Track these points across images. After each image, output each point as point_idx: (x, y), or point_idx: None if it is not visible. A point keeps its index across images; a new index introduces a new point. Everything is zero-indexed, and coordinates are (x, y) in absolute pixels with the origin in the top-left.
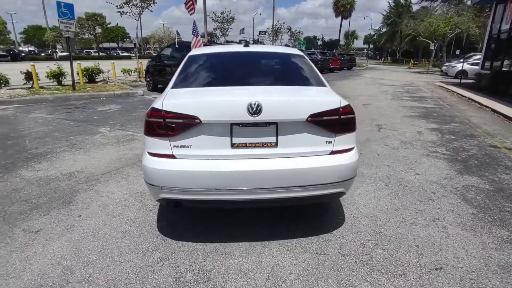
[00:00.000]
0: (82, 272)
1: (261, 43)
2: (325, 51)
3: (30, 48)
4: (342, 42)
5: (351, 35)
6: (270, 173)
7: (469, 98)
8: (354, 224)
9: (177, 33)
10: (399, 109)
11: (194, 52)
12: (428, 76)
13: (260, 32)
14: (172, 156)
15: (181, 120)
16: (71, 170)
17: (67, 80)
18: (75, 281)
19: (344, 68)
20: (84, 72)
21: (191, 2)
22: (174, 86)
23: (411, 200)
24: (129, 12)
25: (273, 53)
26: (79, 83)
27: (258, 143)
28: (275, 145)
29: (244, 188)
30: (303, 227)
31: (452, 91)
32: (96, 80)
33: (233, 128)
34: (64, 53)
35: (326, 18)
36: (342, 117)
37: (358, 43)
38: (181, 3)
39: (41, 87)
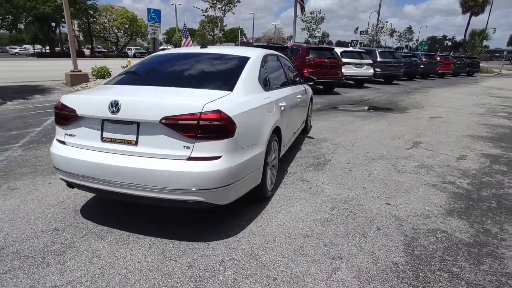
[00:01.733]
0: None
1: (360, 44)
2: (433, 53)
3: (163, 47)
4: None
5: (478, 35)
6: (128, 169)
7: None
8: (241, 239)
9: (241, 33)
10: (472, 126)
11: (157, 52)
12: None
13: (361, 32)
14: (63, 143)
15: (66, 112)
16: None
17: None
18: None
19: (462, 74)
20: None
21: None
22: (105, 83)
23: (340, 230)
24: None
25: (213, 54)
26: None
27: (121, 139)
28: (135, 143)
29: (110, 180)
30: (188, 231)
31: None
32: None
33: (104, 123)
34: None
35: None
36: (201, 122)
37: (497, 43)
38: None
39: None
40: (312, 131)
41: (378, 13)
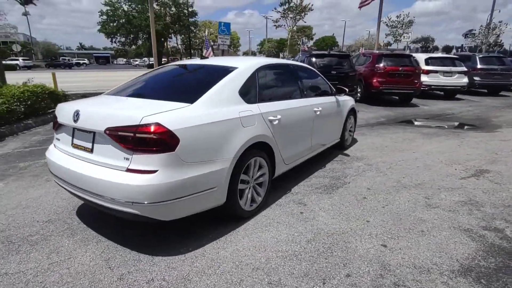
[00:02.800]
0: None
1: (464, 49)
2: None
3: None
4: None
5: None
6: (83, 176)
7: None
8: (187, 259)
9: (302, 42)
10: None
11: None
12: None
13: (466, 35)
14: (54, 145)
15: (55, 119)
16: None
17: None
18: None
19: None
20: None
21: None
22: (106, 93)
23: (300, 269)
24: (284, 25)
25: (204, 66)
26: None
27: (82, 146)
28: (91, 151)
29: (74, 185)
30: (151, 242)
31: None
32: None
33: (74, 130)
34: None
35: None
36: (138, 135)
37: None
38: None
39: None
40: (353, 147)
41: (492, 11)
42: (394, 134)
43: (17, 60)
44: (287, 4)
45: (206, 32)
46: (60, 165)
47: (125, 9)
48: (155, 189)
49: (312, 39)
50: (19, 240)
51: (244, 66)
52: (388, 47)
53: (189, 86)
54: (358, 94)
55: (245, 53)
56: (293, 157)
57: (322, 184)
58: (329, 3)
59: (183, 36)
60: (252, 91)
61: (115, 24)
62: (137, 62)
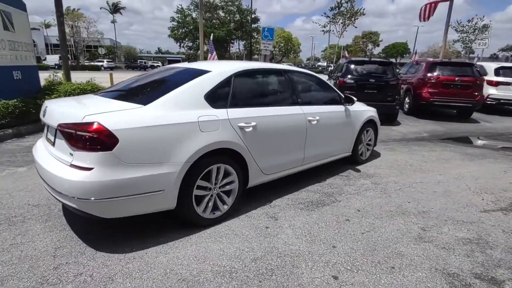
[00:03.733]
0: None
1: None
2: None
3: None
4: None
5: None
6: (41, 167)
7: None
8: (124, 259)
9: (343, 49)
10: None
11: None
12: None
13: None
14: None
15: None
16: None
17: None
18: None
19: None
20: None
21: (427, 11)
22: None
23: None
24: (333, 31)
25: (182, 69)
26: None
27: (50, 139)
28: (53, 144)
29: (40, 175)
30: (117, 236)
31: None
32: None
33: (47, 125)
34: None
35: None
36: (78, 132)
37: None
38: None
39: None
40: (370, 163)
41: None
42: (429, 151)
43: (103, 62)
44: (337, 9)
45: (212, 36)
46: (35, 156)
47: (194, 16)
48: (90, 186)
49: (378, 45)
50: (3, 219)
51: (218, 70)
52: (471, 55)
53: (154, 89)
54: (406, 106)
55: (308, 59)
56: (275, 168)
57: (309, 199)
58: (404, 7)
59: (245, 41)
60: (223, 95)
61: (183, 30)
62: None
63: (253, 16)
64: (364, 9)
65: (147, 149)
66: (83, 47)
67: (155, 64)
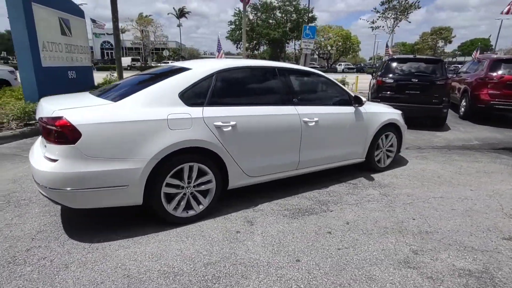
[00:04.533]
0: None
1: None
2: None
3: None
4: None
5: None
6: (32, 155)
7: None
8: (87, 249)
9: (387, 45)
10: None
11: None
12: None
13: None
14: None
15: None
16: None
17: None
18: None
19: None
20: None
21: None
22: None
23: None
24: (383, 27)
25: (168, 68)
26: None
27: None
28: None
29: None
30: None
31: None
32: None
33: None
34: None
35: None
36: (47, 126)
37: None
38: None
39: None
40: (390, 171)
41: None
42: (471, 162)
43: (167, 63)
44: (388, 3)
45: (219, 33)
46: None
47: (250, 17)
48: (55, 177)
49: (450, 42)
50: (14, 201)
51: (199, 69)
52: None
53: (134, 86)
54: (462, 109)
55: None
56: (262, 170)
57: (299, 206)
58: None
59: (301, 41)
60: (200, 94)
61: (240, 32)
62: None
63: (310, 15)
64: (419, 2)
65: (111, 145)
66: (151, 49)
67: None
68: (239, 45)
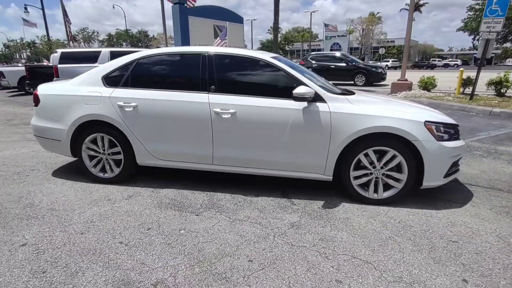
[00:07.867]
0: None
1: None
2: None
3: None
4: None
5: None
6: None
7: None
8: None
9: None
10: None
11: None
12: None
13: None
14: None
15: None
16: None
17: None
18: None
19: None
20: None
21: None
22: None
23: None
24: None
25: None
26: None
27: None
28: None
29: None
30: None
31: None
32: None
33: None
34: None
35: None
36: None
37: None
38: None
39: (475, 94)
40: (393, 209)
41: None
42: None
43: (388, 61)
44: None
45: (227, 23)
46: None
47: None
48: (32, 126)
49: None
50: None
51: (129, 56)
52: None
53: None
54: None
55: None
56: (172, 156)
57: (272, 203)
58: None
59: None
60: (118, 77)
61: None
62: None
63: None
64: None
65: (53, 110)
66: (370, 48)
67: (452, 63)
68: (477, 37)
